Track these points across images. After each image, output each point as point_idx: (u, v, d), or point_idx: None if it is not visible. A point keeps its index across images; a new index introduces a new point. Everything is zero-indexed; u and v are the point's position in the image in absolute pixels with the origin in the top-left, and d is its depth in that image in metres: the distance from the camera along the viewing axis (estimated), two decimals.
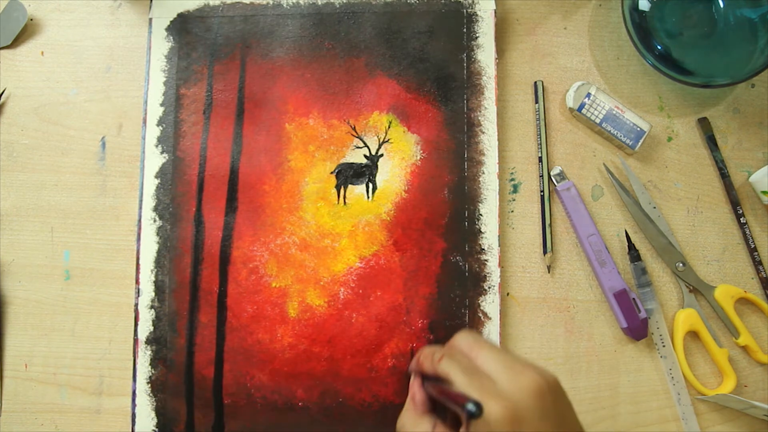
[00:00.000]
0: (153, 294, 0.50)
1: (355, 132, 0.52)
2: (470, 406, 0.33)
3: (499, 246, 0.50)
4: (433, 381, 0.42)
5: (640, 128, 0.52)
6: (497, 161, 0.51)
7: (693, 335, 0.51)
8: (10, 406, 0.51)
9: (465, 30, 0.53)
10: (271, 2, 0.54)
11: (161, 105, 0.52)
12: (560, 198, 0.52)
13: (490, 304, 0.50)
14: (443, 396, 0.39)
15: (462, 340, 0.42)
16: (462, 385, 0.38)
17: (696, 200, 0.53)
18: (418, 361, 0.44)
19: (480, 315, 0.50)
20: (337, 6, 0.53)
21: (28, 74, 0.55)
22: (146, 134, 0.52)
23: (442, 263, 0.50)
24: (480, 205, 0.51)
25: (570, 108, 0.53)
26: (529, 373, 0.38)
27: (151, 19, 0.53)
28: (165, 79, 0.53)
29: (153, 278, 0.50)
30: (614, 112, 0.52)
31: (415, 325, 0.50)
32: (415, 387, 0.43)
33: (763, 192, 0.51)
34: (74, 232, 0.53)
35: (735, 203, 0.52)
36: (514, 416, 0.36)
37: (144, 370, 0.50)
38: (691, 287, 0.51)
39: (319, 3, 0.53)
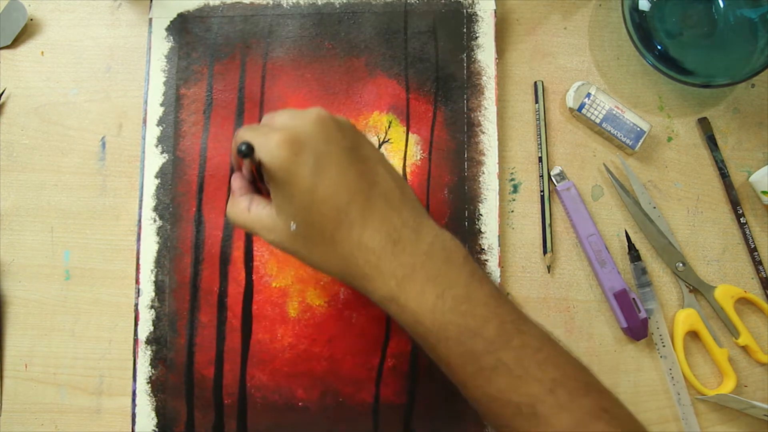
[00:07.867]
0: (153, 294, 0.50)
1: None
2: (240, 147, 0.33)
3: (499, 246, 0.50)
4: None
5: (640, 128, 0.52)
6: (497, 161, 0.51)
7: (693, 335, 0.51)
8: (10, 406, 0.51)
9: (465, 30, 0.53)
10: (271, 2, 0.54)
11: (161, 105, 0.52)
12: (560, 198, 0.52)
13: None
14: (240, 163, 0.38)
15: (266, 116, 0.41)
16: (248, 137, 0.37)
17: (696, 200, 0.53)
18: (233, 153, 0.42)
19: None
20: (337, 6, 0.53)
21: (28, 74, 0.55)
22: (146, 134, 0.52)
23: None
24: (480, 205, 0.51)
25: (570, 108, 0.53)
26: (312, 109, 0.37)
27: (151, 19, 0.53)
28: (165, 79, 0.53)
29: (153, 278, 0.50)
30: (614, 112, 0.52)
31: None
32: (233, 179, 0.42)
33: (763, 192, 0.51)
34: (74, 232, 0.53)
35: (735, 203, 0.52)
36: (293, 139, 0.35)
37: (144, 370, 0.49)
38: (691, 287, 0.51)
39: (319, 3, 0.53)
